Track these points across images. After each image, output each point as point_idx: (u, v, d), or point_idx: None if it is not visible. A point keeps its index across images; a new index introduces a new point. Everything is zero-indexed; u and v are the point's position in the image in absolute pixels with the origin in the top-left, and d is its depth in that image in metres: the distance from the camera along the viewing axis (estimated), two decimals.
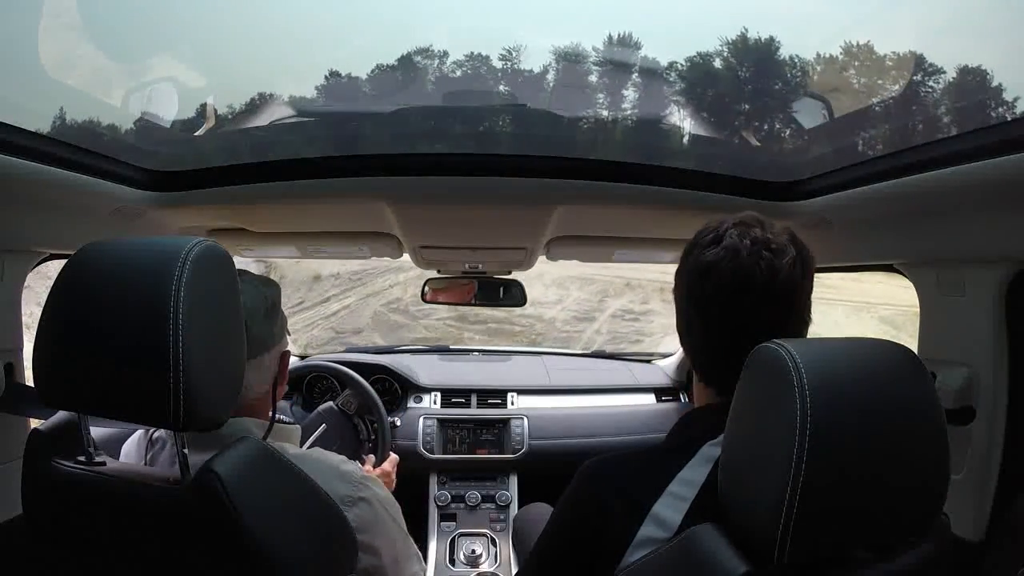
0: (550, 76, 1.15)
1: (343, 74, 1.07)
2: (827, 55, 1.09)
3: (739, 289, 0.64)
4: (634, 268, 8.25)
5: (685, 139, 1.16)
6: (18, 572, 0.97)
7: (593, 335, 8.66)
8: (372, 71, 1.09)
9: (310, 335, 8.19)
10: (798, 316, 0.67)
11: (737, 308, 0.65)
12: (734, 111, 1.20)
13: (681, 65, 1.15)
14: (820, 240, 1.12)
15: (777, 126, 1.16)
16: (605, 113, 1.18)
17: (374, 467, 1.28)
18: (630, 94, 1.18)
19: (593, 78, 1.16)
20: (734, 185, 1.08)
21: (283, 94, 1.10)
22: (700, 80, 1.16)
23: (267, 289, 0.79)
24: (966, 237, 0.88)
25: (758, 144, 1.21)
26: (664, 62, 1.14)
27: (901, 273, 1.12)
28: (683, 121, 1.18)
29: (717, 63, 1.16)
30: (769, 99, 1.18)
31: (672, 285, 0.74)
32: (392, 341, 7.89)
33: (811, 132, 1.12)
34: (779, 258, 0.64)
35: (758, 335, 0.58)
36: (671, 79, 1.14)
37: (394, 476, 1.28)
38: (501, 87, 1.11)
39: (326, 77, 1.07)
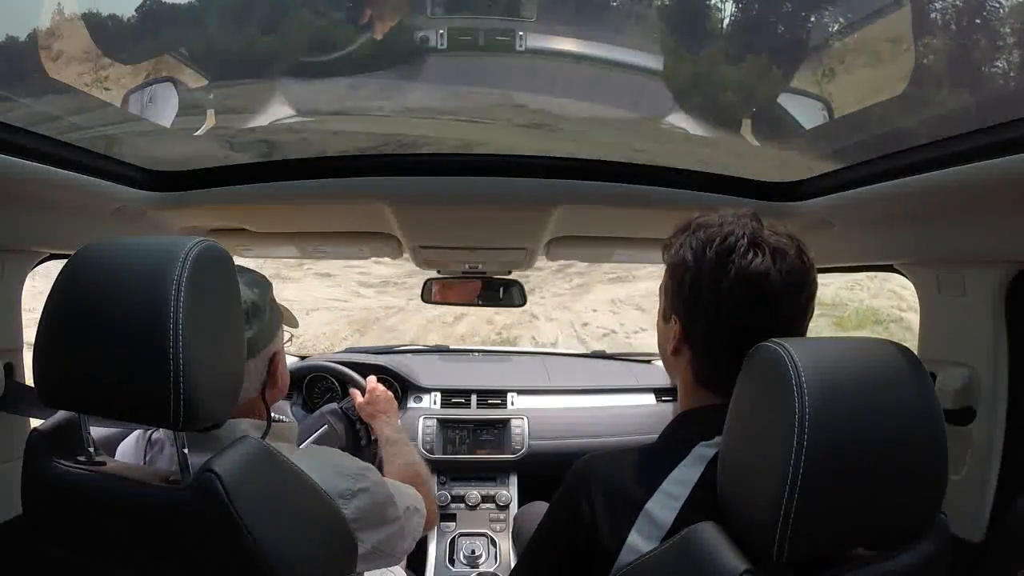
0: None
1: None
2: None
3: (760, 298, 0.64)
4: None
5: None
6: (18, 572, 0.97)
7: None
8: None
9: None
10: (807, 320, 0.68)
11: (756, 315, 0.64)
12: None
13: None
14: (820, 240, 1.12)
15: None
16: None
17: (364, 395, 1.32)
18: None
19: None
20: (734, 185, 1.08)
21: None
22: None
23: (250, 290, 0.75)
24: (966, 237, 0.88)
25: (758, 144, 1.19)
26: None
27: (901, 273, 1.12)
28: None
29: None
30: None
31: None
32: None
33: None
34: (796, 264, 0.65)
35: (767, 336, 0.58)
36: None
37: (381, 386, 1.33)
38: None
39: None
